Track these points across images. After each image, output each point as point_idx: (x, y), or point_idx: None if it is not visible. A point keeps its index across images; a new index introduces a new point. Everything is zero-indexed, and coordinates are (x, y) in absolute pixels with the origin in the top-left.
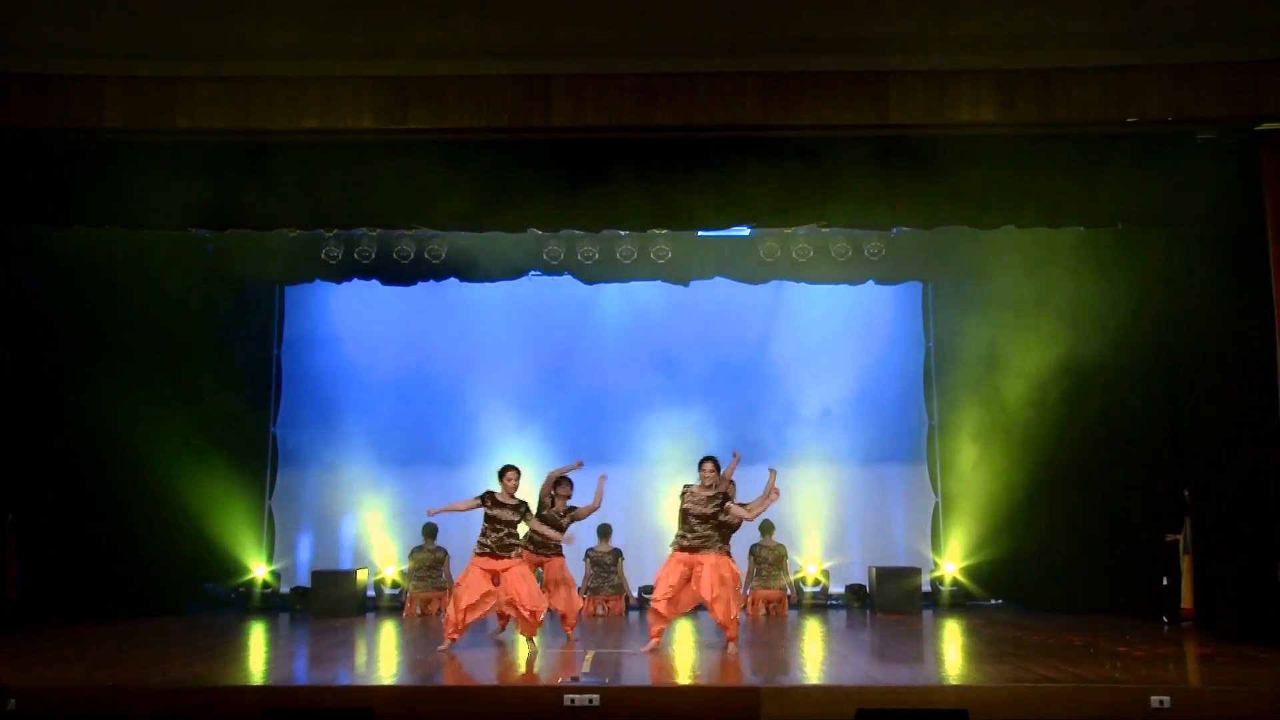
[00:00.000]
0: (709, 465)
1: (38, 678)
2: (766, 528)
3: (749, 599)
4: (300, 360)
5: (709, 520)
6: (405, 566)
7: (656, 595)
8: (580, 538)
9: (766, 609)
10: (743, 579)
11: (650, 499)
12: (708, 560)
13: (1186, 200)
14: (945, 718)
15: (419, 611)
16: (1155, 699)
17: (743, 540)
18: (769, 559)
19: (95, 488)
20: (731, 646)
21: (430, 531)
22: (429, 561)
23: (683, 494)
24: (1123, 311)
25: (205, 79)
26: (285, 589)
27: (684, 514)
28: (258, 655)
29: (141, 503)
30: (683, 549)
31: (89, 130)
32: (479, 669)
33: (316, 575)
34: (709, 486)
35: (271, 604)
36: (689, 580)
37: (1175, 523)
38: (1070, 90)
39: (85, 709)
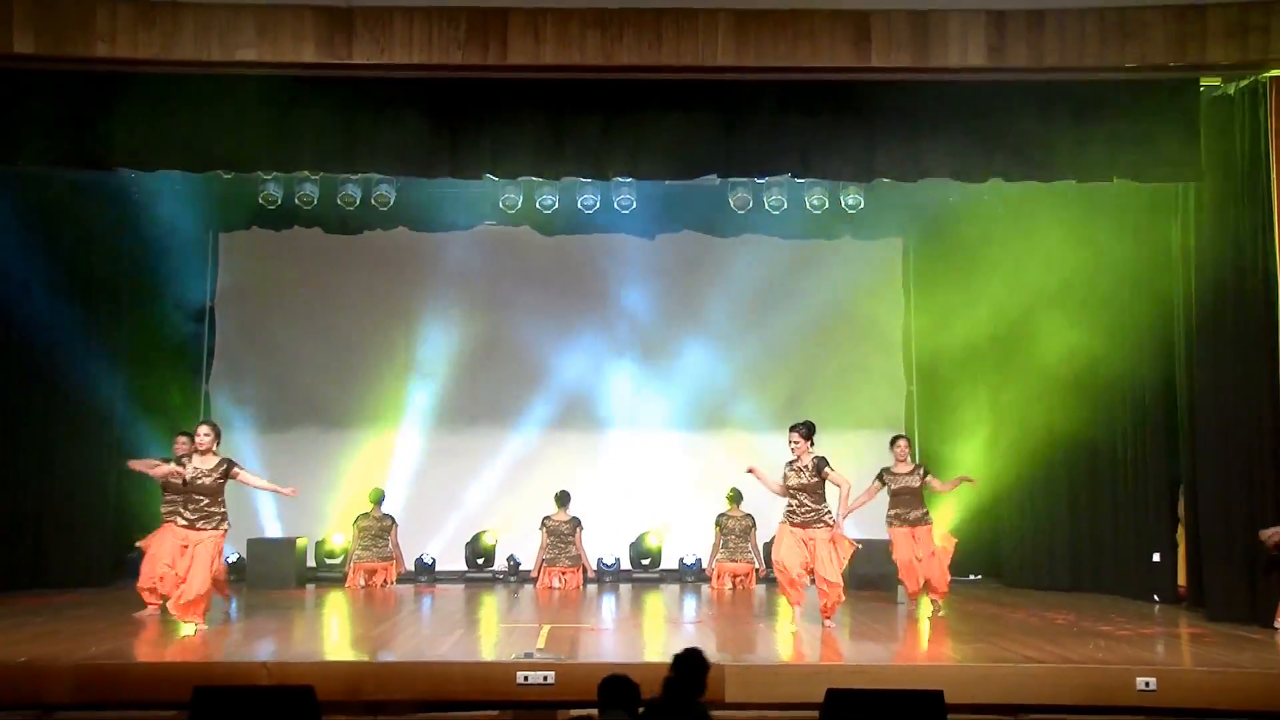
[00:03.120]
0: (795, 435)
1: None
2: (734, 496)
3: (713, 572)
4: (235, 313)
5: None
6: (349, 534)
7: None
8: (537, 505)
9: (733, 583)
10: (707, 551)
11: (610, 464)
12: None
13: (1187, 152)
14: (920, 699)
15: (362, 583)
16: (1141, 680)
17: (710, 509)
18: (735, 530)
19: (11, 451)
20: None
21: (376, 498)
22: (374, 530)
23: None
24: (1115, 272)
25: (127, 2)
26: None
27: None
28: (187, 629)
29: (62, 467)
30: (794, 524)
31: None
32: (427, 645)
33: (252, 544)
34: (798, 458)
35: None
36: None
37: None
38: (1065, 32)
39: None
